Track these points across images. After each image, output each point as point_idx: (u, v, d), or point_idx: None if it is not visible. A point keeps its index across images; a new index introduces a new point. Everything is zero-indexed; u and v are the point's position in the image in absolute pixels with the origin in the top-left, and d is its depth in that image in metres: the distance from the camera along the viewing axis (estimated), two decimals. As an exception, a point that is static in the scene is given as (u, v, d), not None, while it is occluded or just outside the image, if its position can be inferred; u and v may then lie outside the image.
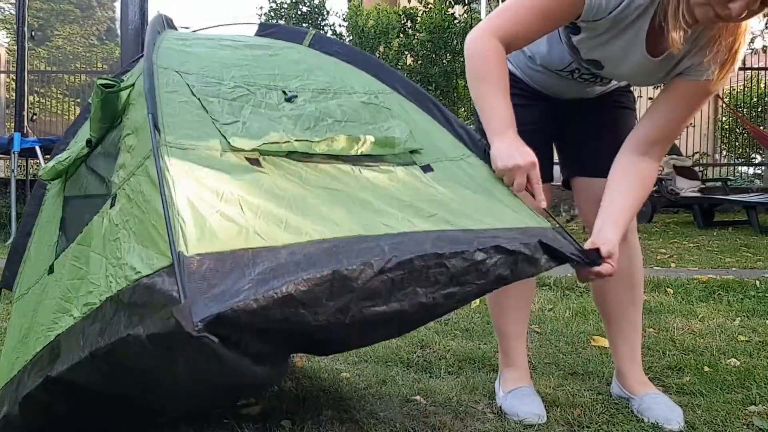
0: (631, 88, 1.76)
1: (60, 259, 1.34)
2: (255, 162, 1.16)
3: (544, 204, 1.38)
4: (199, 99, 1.25)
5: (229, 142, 1.16)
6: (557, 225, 1.33)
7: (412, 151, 1.35)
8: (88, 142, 1.36)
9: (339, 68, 1.54)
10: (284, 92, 1.35)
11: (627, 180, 1.50)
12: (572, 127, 1.74)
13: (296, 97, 1.34)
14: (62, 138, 1.56)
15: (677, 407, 1.58)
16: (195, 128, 1.18)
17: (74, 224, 1.36)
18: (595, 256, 1.31)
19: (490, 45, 1.42)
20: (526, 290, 1.76)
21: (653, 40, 1.41)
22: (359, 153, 1.28)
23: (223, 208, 1.02)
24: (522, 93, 1.66)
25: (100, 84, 1.24)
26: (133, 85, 1.32)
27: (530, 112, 1.64)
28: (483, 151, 1.39)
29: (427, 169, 1.32)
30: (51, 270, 1.36)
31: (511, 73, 1.64)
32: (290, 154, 1.22)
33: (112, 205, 1.15)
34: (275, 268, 0.93)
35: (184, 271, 0.88)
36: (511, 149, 1.37)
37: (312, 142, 1.23)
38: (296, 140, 1.22)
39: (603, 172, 1.59)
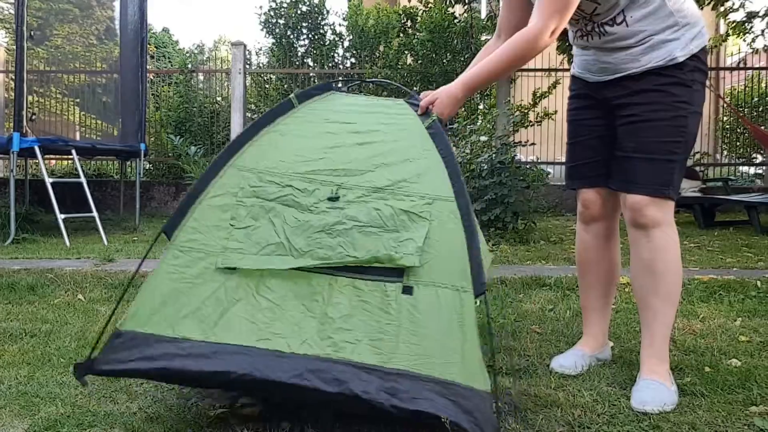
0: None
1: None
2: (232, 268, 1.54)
3: None
4: (236, 202, 1.61)
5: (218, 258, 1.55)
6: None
7: (407, 267, 1.49)
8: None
9: (426, 164, 1.63)
10: (333, 190, 1.60)
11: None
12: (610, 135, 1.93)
13: (338, 198, 1.59)
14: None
15: (665, 395, 1.66)
16: (212, 232, 1.59)
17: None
18: None
19: None
20: (606, 271, 2.02)
21: None
22: (344, 265, 1.51)
23: (169, 301, 1.50)
24: (582, 93, 1.96)
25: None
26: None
27: (588, 111, 1.94)
28: (481, 292, 1.48)
29: (407, 290, 1.49)
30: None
31: (573, 77, 2.01)
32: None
33: None
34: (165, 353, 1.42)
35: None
36: None
37: (299, 252, 1.52)
38: (277, 255, 1.53)
39: (610, 182, 1.89)
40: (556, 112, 6.34)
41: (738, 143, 8.84)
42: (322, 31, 7.74)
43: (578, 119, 1.97)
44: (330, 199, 1.58)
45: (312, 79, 7.73)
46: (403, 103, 1.77)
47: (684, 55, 1.70)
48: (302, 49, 7.81)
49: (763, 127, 7.19)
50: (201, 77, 8.57)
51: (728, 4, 6.96)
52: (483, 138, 4.94)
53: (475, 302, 1.48)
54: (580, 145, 1.96)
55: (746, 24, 7.26)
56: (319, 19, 7.69)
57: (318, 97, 1.78)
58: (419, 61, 7.37)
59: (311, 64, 7.85)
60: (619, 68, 1.77)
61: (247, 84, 7.90)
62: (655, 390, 1.68)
